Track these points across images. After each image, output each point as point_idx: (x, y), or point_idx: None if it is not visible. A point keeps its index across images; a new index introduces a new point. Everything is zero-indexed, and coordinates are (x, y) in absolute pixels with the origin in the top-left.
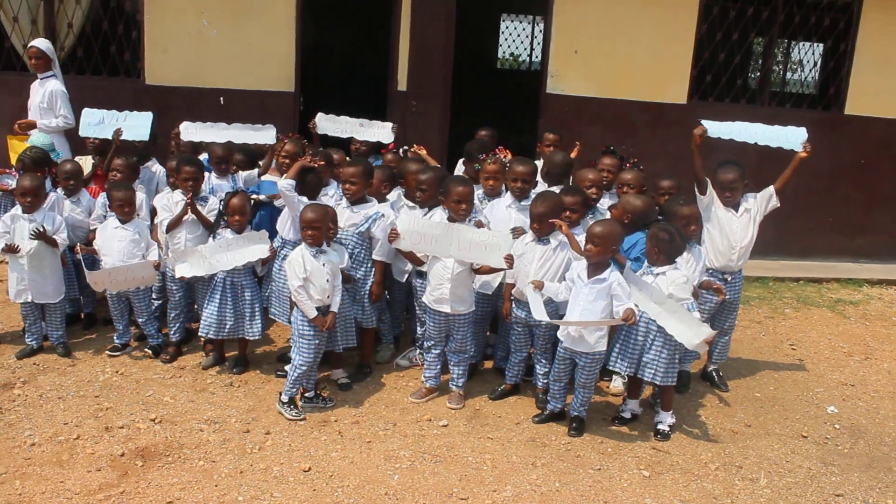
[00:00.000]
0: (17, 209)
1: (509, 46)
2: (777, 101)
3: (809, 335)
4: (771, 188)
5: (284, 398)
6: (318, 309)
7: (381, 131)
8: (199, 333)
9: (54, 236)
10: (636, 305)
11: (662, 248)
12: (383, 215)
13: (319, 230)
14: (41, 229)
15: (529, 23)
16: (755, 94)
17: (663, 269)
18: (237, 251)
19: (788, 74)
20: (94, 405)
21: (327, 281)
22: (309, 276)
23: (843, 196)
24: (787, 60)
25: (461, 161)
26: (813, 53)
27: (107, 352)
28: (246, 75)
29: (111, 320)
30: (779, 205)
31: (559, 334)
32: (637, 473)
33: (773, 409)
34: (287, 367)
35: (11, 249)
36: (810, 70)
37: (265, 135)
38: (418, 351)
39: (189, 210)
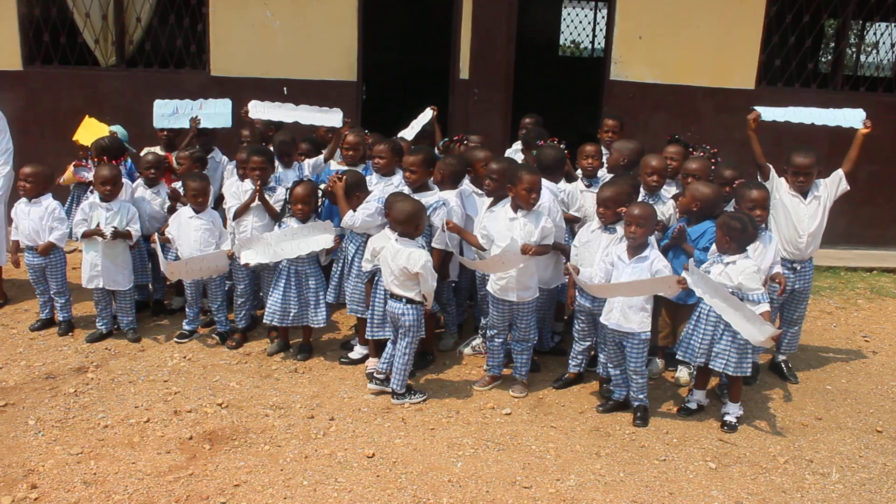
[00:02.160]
0: (96, 197)
1: (571, 33)
2: (850, 86)
3: (884, 327)
4: (840, 171)
5: (402, 389)
6: None
7: (331, 116)
8: (264, 321)
9: (128, 227)
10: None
11: (734, 237)
12: (444, 203)
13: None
14: (115, 229)
15: (591, 9)
16: (827, 78)
17: (733, 258)
18: (302, 240)
19: (862, 57)
20: (163, 389)
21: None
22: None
23: None
24: (861, 42)
25: (519, 149)
26: (890, 34)
27: (175, 338)
28: (308, 65)
29: (176, 309)
30: (848, 188)
31: (602, 319)
32: (703, 465)
33: (845, 403)
34: (350, 355)
35: (96, 233)
36: (887, 52)
37: (332, 118)
38: (480, 339)
39: (256, 198)
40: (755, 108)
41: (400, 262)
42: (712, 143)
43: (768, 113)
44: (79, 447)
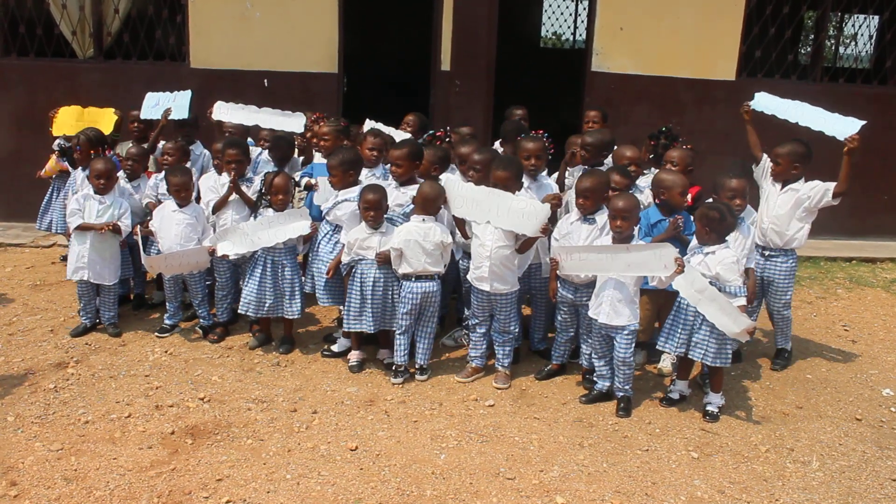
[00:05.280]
0: (90, 189)
1: (552, 25)
2: (830, 77)
3: (863, 316)
4: (831, 186)
5: (426, 364)
6: None
7: (293, 121)
8: (239, 310)
9: (118, 221)
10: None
11: (713, 227)
12: None
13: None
14: (112, 225)
15: (573, 0)
16: (806, 69)
17: (713, 248)
18: (279, 228)
19: (841, 49)
20: (144, 384)
21: None
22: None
23: None
24: (840, 34)
25: (498, 142)
26: (868, 26)
27: (155, 332)
28: (289, 57)
29: (158, 303)
30: (835, 203)
31: (591, 314)
32: (686, 455)
33: (825, 391)
34: (333, 348)
35: (91, 227)
36: (865, 44)
37: (294, 122)
38: (464, 331)
39: (234, 191)
40: (756, 94)
41: (436, 238)
42: (694, 134)
43: (760, 101)
44: (59, 443)
